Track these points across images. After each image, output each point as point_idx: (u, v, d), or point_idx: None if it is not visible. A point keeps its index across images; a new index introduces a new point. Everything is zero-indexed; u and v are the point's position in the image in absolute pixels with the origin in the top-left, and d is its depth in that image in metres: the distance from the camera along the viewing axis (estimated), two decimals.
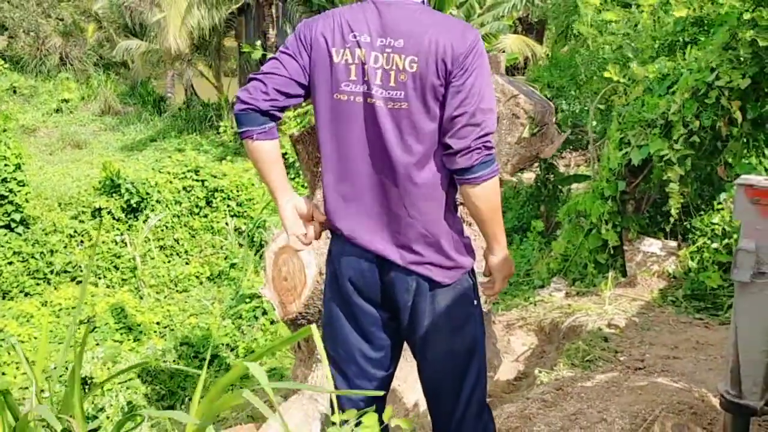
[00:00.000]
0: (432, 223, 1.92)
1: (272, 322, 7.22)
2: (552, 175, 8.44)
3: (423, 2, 1.95)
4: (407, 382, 3.28)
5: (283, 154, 9.53)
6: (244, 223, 10.26)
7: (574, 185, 8.44)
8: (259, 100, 1.87)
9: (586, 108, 7.58)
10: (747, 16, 3.92)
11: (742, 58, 4.01)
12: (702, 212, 4.89)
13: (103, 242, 9.39)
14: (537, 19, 16.40)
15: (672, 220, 4.64)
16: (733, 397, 2.37)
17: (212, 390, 1.19)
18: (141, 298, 8.64)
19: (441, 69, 1.82)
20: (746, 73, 3.99)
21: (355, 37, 1.87)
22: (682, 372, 3.20)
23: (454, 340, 2.00)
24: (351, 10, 1.93)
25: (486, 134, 1.87)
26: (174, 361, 6.46)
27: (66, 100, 20.48)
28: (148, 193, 9.92)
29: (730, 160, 4.58)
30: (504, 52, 14.59)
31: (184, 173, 10.40)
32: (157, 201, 9.98)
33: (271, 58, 1.93)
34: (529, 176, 9.01)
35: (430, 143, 1.87)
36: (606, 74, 5.32)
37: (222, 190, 10.38)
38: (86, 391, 5.47)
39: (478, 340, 2.06)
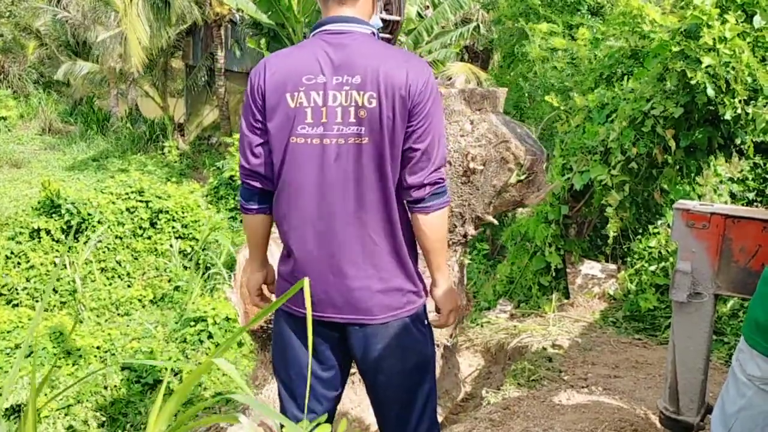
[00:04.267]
0: (392, 252, 1.97)
1: (218, 346, 7.09)
2: None
3: (373, 33, 1.98)
4: (361, 406, 3.28)
5: (231, 176, 9.33)
6: (190, 245, 10.07)
7: (519, 209, 8.64)
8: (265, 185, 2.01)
9: None
10: (676, 48, 4.13)
11: (674, 89, 4.22)
12: (640, 236, 5.07)
13: (42, 264, 9.08)
14: (482, 47, 16.79)
15: (611, 243, 4.80)
16: (672, 413, 2.47)
17: (177, 391, 1.17)
18: (81, 321, 8.37)
19: (399, 104, 1.85)
20: (678, 102, 4.20)
21: (309, 79, 1.87)
22: (623, 390, 3.30)
23: (407, 360, 2.03)
24: (300, 51, 1.95)
25: (438, 168, 1.92)
26: (115, 386, 6.27)
27: (3, 118, 19.83)
28: (89, 214, 9.65)
29: (665, 186, 4.79)
30: (451, 78, 14.86)
31: (127, 194, 10.16)
32: (99, 222, 9.71)
33: (240, 137, 2.00)
34: None
35: (393, 176, 1.90)
36: (547, 98, 5.49)
37: (167, 212, 10.18)
38: (19, 418, 5.24)
39: (429, 358, 2.10)
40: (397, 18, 2.87)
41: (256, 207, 2.04)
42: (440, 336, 2.99)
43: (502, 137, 2.91)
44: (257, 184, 2.00)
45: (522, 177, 2.93)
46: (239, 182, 2.05)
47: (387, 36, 2.92)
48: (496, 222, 3.25)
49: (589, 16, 8.33)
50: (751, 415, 1.74)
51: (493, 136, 2.92)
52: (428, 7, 15.24)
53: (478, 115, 2.97)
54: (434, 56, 14.43)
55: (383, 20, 2.82)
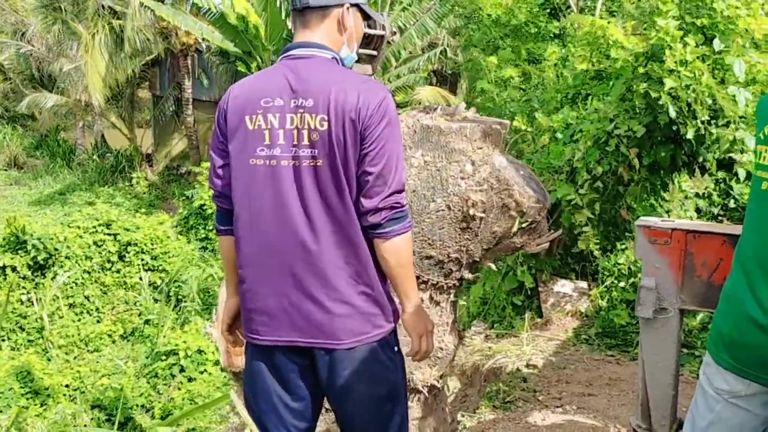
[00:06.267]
0: (354, 275, 1.94)
1: (190, 380, 6.96)
2: None
3: (334, 58, 1.99)
4: None
5: (201, 205, 9.23)
6: (160, 277, 9.92)
7: None
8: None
9: None
10: (640, 70, 4.22)
11: (637, 109, 4.29)
12: (609, 253, 5.12)
13: (8, 302, 8.86)
14: (450, 71, 16.99)
15: (582, 260, 4.84)
16: (644, 430, 2.47)
17: None
18: (49, 359, 8.17)
19: (349, 127, 1.85)
20: (641, 122, 4.27)
21: (267, 102, 1.91)
22: (597, 408, 3.31)
23: (376, 387, 2.00)
24: (264, 76, 2.02)
25: (395, 192, 1.89)
26: (85, 425, 6.11)
27: None
28: (56, 249, 9.47)
29: (632, 203, 4.85)
30: (420, 103, 14.99)
31: (94, 227, 10.00)
32: (66, 257, 9.53)
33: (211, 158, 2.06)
34: None
35: (353, 198, 1.89)
36: (515, 123, 5.57)
37: (136, 244, 10.03)
38: None
39: (399, 386, 2.06)
40: (381, 33, 2.85)
41: (226, 228, 2.07)
42: (429, 377, 2.89)
43: (504, 183, 2.72)
44: (225, 206, 2.05)
45: (524, 225, 2.76)
46: (210, 211, 2.05)
47: (371, 52, 2.88)
48: (495, 268, 3.11)
49: (552, 39, 8.49)
50: (720, 429, 1.75)
51: (496, 181, 2.72)
52: (395, 33, 15.40)
53: (480, 154, 2.75)
54: (403, 81, 14.56)
55: (366, 35, 2.80)
